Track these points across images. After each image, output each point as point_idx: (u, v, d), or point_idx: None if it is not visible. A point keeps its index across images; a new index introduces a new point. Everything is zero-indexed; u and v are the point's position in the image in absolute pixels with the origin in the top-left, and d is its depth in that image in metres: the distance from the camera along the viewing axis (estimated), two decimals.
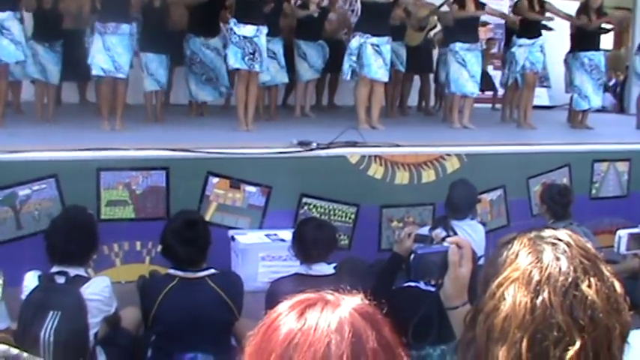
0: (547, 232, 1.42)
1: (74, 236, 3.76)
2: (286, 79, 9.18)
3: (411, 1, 8.66)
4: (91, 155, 5.75)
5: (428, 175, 6.62)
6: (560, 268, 1.33)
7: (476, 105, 9.18)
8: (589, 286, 1.32)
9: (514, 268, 1.37)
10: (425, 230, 5.06)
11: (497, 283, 1.37)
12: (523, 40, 9.04)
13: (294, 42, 9.35)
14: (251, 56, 7.38)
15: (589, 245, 1.40)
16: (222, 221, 5.98)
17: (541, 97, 11.81)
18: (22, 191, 5.58)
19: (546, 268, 1.34)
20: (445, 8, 9.29)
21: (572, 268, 1.33)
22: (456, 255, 1.84)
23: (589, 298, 1.30)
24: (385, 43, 7.99)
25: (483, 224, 5.83)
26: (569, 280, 1.32)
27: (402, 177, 6.52)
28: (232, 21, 7.51)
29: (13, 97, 8.73)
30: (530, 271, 1.34)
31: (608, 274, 1.36)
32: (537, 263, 1.35)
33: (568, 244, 1.38)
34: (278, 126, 8.38)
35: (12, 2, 7.13)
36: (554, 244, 1.38)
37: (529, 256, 1.37)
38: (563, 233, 1.42)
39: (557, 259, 1.35)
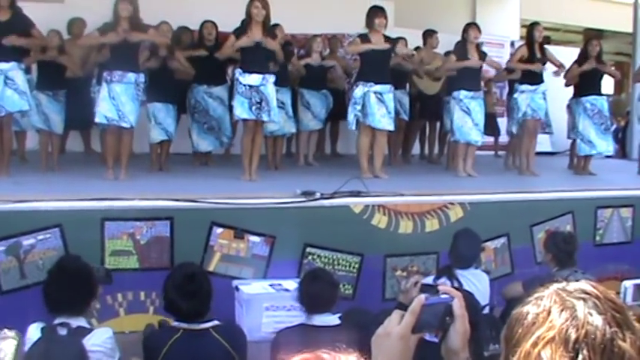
0: (572, 286, 1.41)
1: (69, 286, 3.75)
2: (294, 129, 9.25)
3: (404, 51, 8.71)
4: (95, 205, 5.77)
5: (432, 224, 6.62)
6: (595, 325, 1.32)
7: (478, 152, 9.20)
8: (624, 339, 1.31)
9: (548, 327, 1.35)
10: (429, 280, 5.06)
11: (530, 342, 1.36)
12: (525, 87, 9.08)
13: (299, 91, 9.42)
14: (258, 105, 7.41)
15: (614, 295, 1.40)
16: (226, 271, 5.96)
17: (543, 143, 11.83)
18: (27, 241, 5.57)
19: (582, 326, 1.33)
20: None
21: (606, 323, 1.32)
22: (462, 307, 1.83)
23: (626, 353, 1.30)
24: (388, 92, 8.05)
25: (487, 272, 5.82)
26: (606, 336, 1.31)
27: (405, 226, 6.52)
28: (238, 71, 7.55)
29: (18, 146, 8.80)
30: (567, 330, 1.33)
31: (637, 324, 1.36)
32: (572, 321, 1.34)
33: (597, 298, 1.36)
34: (281, 175, 8.41)
35: (16, 53, 7.20)
36: (584, 299, 1.37)
37: (562, 313, 1.36)
38: (588, 285, 1.40)
39: (590, 314, 1.34)
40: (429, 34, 10.32)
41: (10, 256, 5.54)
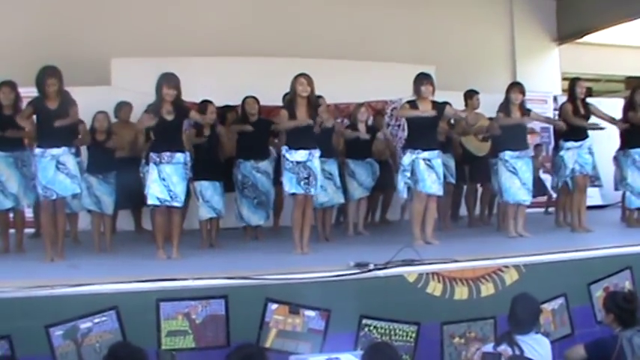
0: None
1: None
2: (342, 200, 9.24)
3: (452, 113, 8.69)
4: (150, 286, 5.79)
5: (487, 289, 6.54)
6: None
7: (528, 210, 9.09)
8: None
9: None
10: (489, 347, 4.99)
11: None
12: (571, 143, 8.99)
13: (345, 161, 9.46)
14: (306, 180, 7.49)
15: None
16: (282, 347, 5.91)
17: (593, 197, 11.69)
18: (84, 324, 5.61)
19: None
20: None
21: None
22: None
23: None
24: (436, 157, 8.04)
25: (547, 335, 5.72)
26: None
27: (461, 292, 6.44)
28: (284, 148, 7.63)
29: (71, 228, 8.93)
30: None
31: None
32: None
33: None
34: (333, 247, 8.39)
35: (66, 138, 7.37)
36: None
37: None
38: None
39: None
40: (469, 95, 10.33)
41: (68, 340, 5.58)
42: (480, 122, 9.74)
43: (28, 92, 7.90)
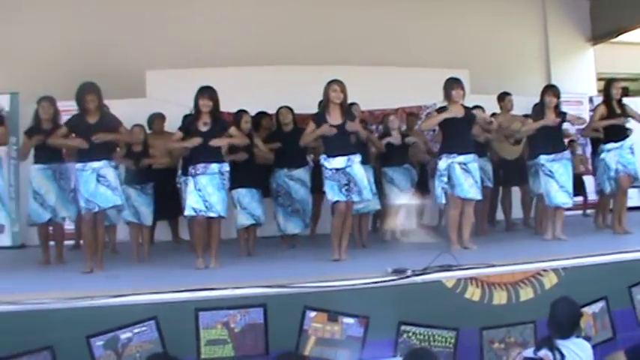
0: None
1: None
2: (379, 206, 9.23)
3: (483, 116, 8.63)
4: (188, 296, 5.82)
5: (526, 293, 6.47)
6: None
7: (567, 213, 9.01)
8: None
9: None
10: (530, 352, 4.96)
11: None
12: (611, 145, 8.90)
13: (381, 169, 9.44)
14: (347, 187, 7.49)
15: None
16: (321, 355, 5.91)
17: (633, 198, 11.54)
18: (124, 334, 5.65)
19: None
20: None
21: None
22: None
23: None
24: (472, 161, 8.01)
25: (588, 339, 5.64)
26: None
27: (499, 297, 6.39)
28: (322, 157, 7.65)
29: (109, 239, 9.01)
30: None
31: None
32: None
33: None
34: (370, 253, 8.38)
35: (106, 151, 7.49)
36: None
37: None
38: None
39: None
40: (501, 98, 10.29)
41: (109, 350, 5.62)
42: (514, 124, 9.69)
43: (67, 106, 8.07)
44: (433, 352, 4.90)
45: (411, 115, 10.83)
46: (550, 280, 6.58)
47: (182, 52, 11.59)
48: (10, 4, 11.69)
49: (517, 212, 10.77)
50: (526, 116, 9.41)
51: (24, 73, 10.97)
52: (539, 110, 8.68)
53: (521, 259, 6.79)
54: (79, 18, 11.84)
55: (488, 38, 13.30)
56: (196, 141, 7.43)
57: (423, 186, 9.90)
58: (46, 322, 5.51)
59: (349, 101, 7.81)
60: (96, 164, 7.33)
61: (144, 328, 5.69)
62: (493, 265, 6.49)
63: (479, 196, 8.12)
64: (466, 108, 8.10)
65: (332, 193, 7.51)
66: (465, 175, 7.92)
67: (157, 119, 9.82)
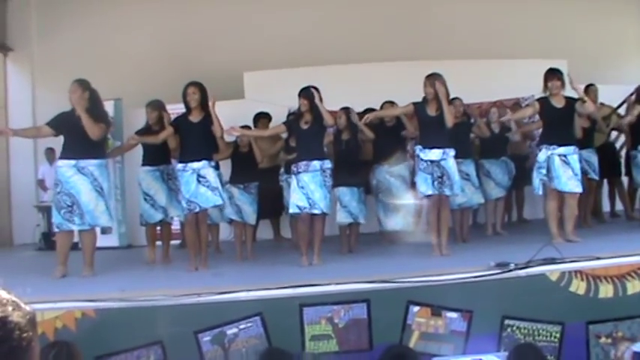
0: None
1: None
2: (482, 200, 9.21)
3: (584, 108, 8.43)
4: (293, 292, 5.92)
5: (633, 286, 6.29)
6: None
7: None
8: None
9: None
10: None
11: None
12: None
13: (479, 162, 9.39)
14: (440, 180, 7.48)
15: None
16: (425, 349, 5.91)
17: None
18: (230, 330, 5.80)
19: None
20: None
21: None
22: None
23: None
24: (572, 153, 7.83)
25: None
26: None
27: (606, 290, 6.24)
28: (418, 147, 7.65)
29: (212, 238, 9.20)
30: None
31: None
32: None
33: None
34: (471, 247, 8.36)
35: (207, 152, 7.63)
36: None
37: None
38: None
39: None
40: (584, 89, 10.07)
41: (216, 346, 5.78)
42: (601, 113, 9.48)
43: (171, 109, 8.33)
44: (539, 348, 4.87)
45: (515, 105, 10.71)
46: None
47: (278, 53, 11.73)
48: (109, 13, 12.08)
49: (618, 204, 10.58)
50: (619, 106, 9.17)
51: (126, 79, 11.32)
52: None
53: (627, 252, 6.62)
54: (175, 23, 12.16)
55: (587, 27, 13.01)
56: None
57: (522, 178, 9.76)
58: (155, 318, 5.72)
59: (451, 96, 7.83)
60: (196, 165, 7.49)
61: (249, 324, 5.82)
62: (598, 258, 6.36)
63: (579, 189, 7.89)
64: (567, 98, 7.95)
65: (425, 185, 7.51)
66: (563, 168, 7.76)
67: (261, 119, 9.95)
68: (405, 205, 8.88)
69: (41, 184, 11.98)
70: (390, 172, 8.94)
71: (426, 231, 7.72)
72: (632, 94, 9.26)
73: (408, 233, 8.49)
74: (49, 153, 11.49)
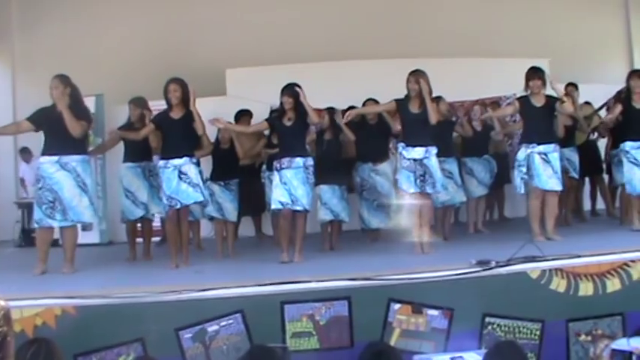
0: None
1: None
2: (464, 198, 9.25)
3: (569, 110, 8.45)
4: (274, 289, 5.90)
5: (613, 284, 6.33)
6: None
7: None
8: None
9: None
10: (623, 343, 4.88)
11: None
12: None
13: (462, 160, 9.42)
14: (422, 178, 7.48)
15: None
16: (405, 347, 5.89)
17: None
18: (211, 327, 5.78)
19: None
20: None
21: None
22: None
23: None
24: (552, 151, 7.88)
25: None
26: None
27: (585, 288, 6.27)
28: (400, 145, 7.63)
29: (194, 235, 9.18)
30: None
31: None
32: None
33: None
34: (453, 245, 8.39)
35: (188, 148, 7.60)
36: None
37: None
38: None
39: None
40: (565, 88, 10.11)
41: (197, 343, 5.76)
42: (583, 111, 9.55)
43: (153, 106, 8.32)
44: (519, 345, 4.86)
45: (493, 103, 10.74)
46: (638, 271, 6.42)
47: (260, 50, 11.72)
48: (91, 9, 12.02)
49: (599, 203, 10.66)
50: (600, 108, 9.22)
51: (108, 75, 11.27)
52: (625, 96, 8.49)
53: (607, 250, 6.66)
54: (159, 20, 12.12)
55: (569, 27, 13.05)
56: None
57: (503, 176, 9.81)
58: (136, 315, 5.68)
59: (433, 94, 7.81)
60: (177, 161, 7.47)
61: (230, 321, 5.79)
62: (578, 256, 6.39)
63: (559, 187, 7.96)
64: (547, 97, 7.99)
65: (407, 183, 7.50)
66: (544, 166, 7.81)
67: (243, 116, 9.92)
68: (389, 203, 8.91)
69: (22, 182, 11.91)
70: (374, 170, 8.95)
71: (408, 229, 7.70)
72: (613, 97, 9.33)
73: (391, 231, 8.51)
74: (25, 152, 11.45)
